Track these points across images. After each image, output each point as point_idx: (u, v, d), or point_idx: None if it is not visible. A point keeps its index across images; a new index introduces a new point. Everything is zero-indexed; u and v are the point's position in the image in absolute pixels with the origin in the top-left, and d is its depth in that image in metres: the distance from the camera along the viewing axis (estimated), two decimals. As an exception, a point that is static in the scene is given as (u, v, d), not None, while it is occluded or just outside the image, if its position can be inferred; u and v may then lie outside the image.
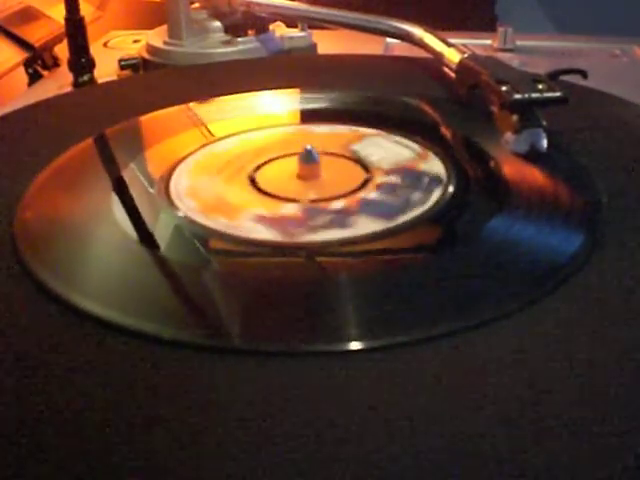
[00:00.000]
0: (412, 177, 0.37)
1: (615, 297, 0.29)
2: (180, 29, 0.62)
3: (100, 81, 0.61)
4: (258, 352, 0.26)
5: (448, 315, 0.28)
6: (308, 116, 0.46)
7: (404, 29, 0.54)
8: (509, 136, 0.39)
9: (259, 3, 0.62)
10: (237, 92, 0.49)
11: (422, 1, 0.86)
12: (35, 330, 0.28)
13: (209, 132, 0.44)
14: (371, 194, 0.36)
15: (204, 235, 0.33)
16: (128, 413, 0.24)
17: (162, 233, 0.35)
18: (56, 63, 0.70)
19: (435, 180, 0.37)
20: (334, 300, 0.29)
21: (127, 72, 0.62)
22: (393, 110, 0.47)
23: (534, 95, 0.38)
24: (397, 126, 0.43)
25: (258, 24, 0.64)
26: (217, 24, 0.64)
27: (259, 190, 0.37)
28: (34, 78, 0.68)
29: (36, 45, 0.68)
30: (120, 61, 0.62)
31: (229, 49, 0.62)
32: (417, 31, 0.53)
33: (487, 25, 0.83)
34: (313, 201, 0.36)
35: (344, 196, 0.36)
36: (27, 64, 0.67)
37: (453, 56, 0.47)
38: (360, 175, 0.38)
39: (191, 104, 0.47)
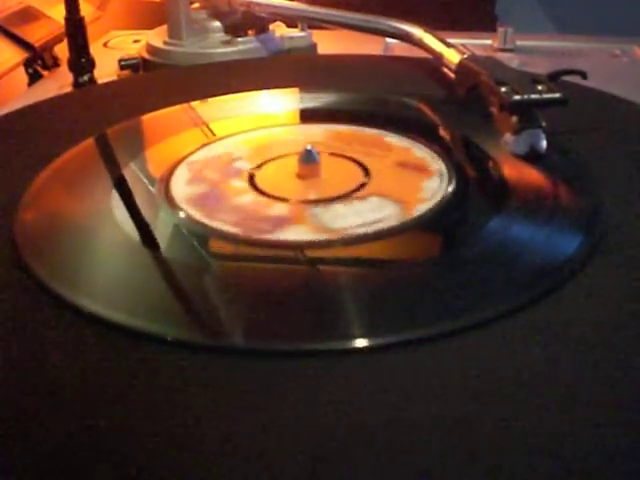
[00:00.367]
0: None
1: (615, 297, 0.29)
2: (180, 29, 0.62)
3: (100, 81, 0.61)
4: (258, 352, 0.26)
5: (448, 315, 0.28)
6: (308, 116, 0.46)
7: (404, 29, 0.54)
8: (509, 137, 0.39)
9: (259, 3, 0.62)
10: (237, 92, 0.49)
11: (422, 1, 0.86)
12: (35, 330, 0.28)
13: (210, 131, 0.44)
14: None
15: (204, 235, 0.33)
16: (128, 413, 0.24)
17: (162, 233, 0.35)
18: (56, 63, 0.70)
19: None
20: (334, 300, 0.29)
21: (127, 72, 0.62)
22: (393, 110, 0.47)
23: (534, 96, 0.38)
24: (397, 126, 0.43)
25: (258, 24, 0.64)
26: (217, 24, 0.64)
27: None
28: (34, 78, 0.68)
29: (36, 45, 0.68)
30: (120, 61, 0.62)
31: (229, 49, 0.62)
32: (417, 31, 0.53)
33: (487, 25, 0.83)
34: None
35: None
36: (27, 64, 0.67)
37: (453, 57, 0.47)
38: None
39: (192, 104, 0.47)
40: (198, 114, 0.46)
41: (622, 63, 0.67)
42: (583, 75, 0.44)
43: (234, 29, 0.63)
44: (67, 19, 0.60)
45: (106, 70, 0.63)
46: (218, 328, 0.28)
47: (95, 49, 0.63)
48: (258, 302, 0.29)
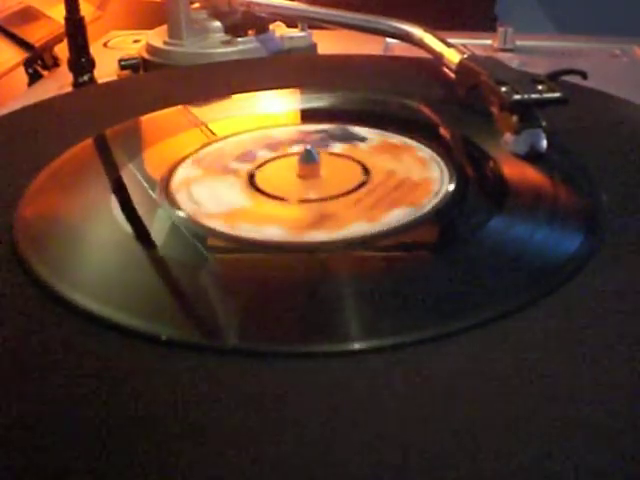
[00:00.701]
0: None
1: (615, 297, 0.29)
2: (180, 29, 0.62)
3: (100, 81, 0.61)
4: (258, 352, 0.26)
5: (448, 315, 0.28)
6: (308, 116, 0.46)
7: (404, 29, 0.54)
8: (509, 137, 0.39)
9: (259, 3, 0.62)
10: (237, 92, 0.49)
11: (422, 1, 0.86)
12: (34, 329, 0.28)
13: (210, 131, 0.44)
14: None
15: (203, 234, 0.33)
16: (127, 413, 0.24)
17: (161, 232, 0.35)
18: (56, 63, 0.70)
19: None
20: (334, 300, 0.29)
21: (127, 72, 0.62)
22: (393, 110, 0.47)
23: (534, 96, 0.38)
24: (397, 126, 0.43)
25: (258, 24, 0.64)
26: (217, 24, 0.64)
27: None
28: (34, 78, 0.68)
29: (36, 45, 0.68)
30: (120, 61, 0.62)
31: (229, 49, 0.62)
32: (417, 31, 0.53)
33: (487, 25, 0.83)
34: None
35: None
36: (27, 64, 0.67)
37: (453, 56, 0.47)
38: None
39: (191, 104, 0.47)
40: (198, 114, 0.46)
41: (622, 63, 0.67)
42: (583, 75, 0.44)
43: (234, 29, 0.63)
44: (67, 19, 0.60)
45: (106, 70, 0.63)
46: (216, 328, 0.28)
47: (95, 49, 0.63)
48: (257, 302, 0.29)
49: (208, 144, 0.42)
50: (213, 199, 0.36)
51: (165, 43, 0.63)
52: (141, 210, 0.36)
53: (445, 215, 0.35)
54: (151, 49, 0.64)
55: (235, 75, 0.54)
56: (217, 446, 0.23)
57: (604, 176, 0.37)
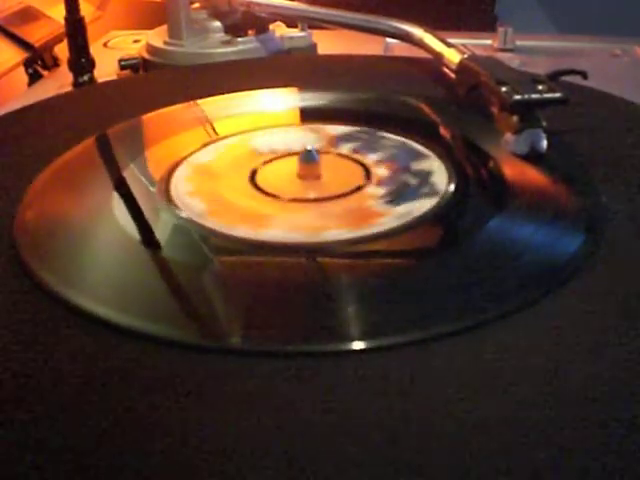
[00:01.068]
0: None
1: (615, 297, 0.29)
2: (180, 29, 0.62)
3: (100, 81, 0.61)
4: (258, 352, 0.26)
5: (448, 316, 0.28)
6: (308, 116, 0.46)
7: (404, 29, 0.54)
8: (509, 137, 0.39)
9: (259, 3, 0.62)
10: (237, 92, 0.49)
11: (422, 1, 0.86)
12: (34, 330, 0.28)
13: (213, 130, 0.44)
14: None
15: (204, 235, 0.33)
16: (127, 413, 0.24)
17: (162, 233, 0.35)
18: (56, 63, 0.70)
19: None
20: (334, 300, 0.29)
21: (127, 72, 0.62)
22: (393, 110, 0.46)
23: (534, 96, 0.38)
24: (397, 126, 0.43)
25: (258, 24, 0.64)
26: (217, 24, 0.63)
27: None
28: (34, 78, 0.68)
29: (36, 45, 0.68)
30: (120, 61, 0.62)
31: (229, 49, 0.62)
32: (417, 31, 0.53)
33: (487, 25, 0.83)
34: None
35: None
36: (27, 64, 0.67)
37: (453, 56, 0.47)
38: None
39: (191, 103, 0.47)
40: (198, 114, 0.46)
41: (622, 63, 0.67)
42: (583, 75, 0.44)
43: (234, 29, 0.63)
44: (67, 19, 0.60)
45: (106, 70, 0.63)
46: (217, 328, 0.28)
47: (95, 49, 0.63)
48: (257, 302, 0.29)
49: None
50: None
51: (165, 43, 0.63)
52: (143, 210, 0.36)
53: (445, 215, 0.35)
54: (151, 49, 0.63)
55: (235, 75, 0.54)
56: (217, 445, 0.23)
57: (604, 176, 0.37)
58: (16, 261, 0.32)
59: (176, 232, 0.35)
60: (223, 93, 0.48)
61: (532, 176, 0.37)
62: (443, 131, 0.44)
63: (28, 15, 0.71)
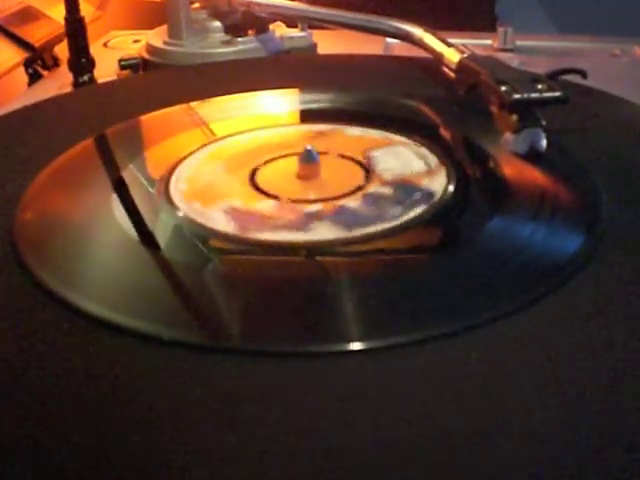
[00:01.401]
0: (404, 191, 0.36)
1: (615, 298, 0.29)
2: (180, 29, 0.62)
3: (100, 81, 0.61)
4: (258, 352, 0.26)
5: (448, 316, 0.28)
6: (308, 116, 0.46)
7: (404, 29, 0.54)
8: (509, 136, 0.39)
9: (259, 3, 0.62)
10: (237, 92, 0.49)
11: (422, 1, 0.86)
12: (34, 330, 0.28)
13: (210, 131, 0.44)
14: (351, 203, 0.35)
15: (204, 235, 0.33)
16: (127, 413, 0.24)
17: (162, 233, 0.35)
18: (56, 63, 0.70)
19: (425, 197, 0.36)
20: (334, 300, 0.29)
21: (127, 72, 0.62)
22: (393, 110, 0.47)
23: (533, 95, 0.38)
24: (397, 126, 0.43)
25: (258, 24, 0.64)
26: (217, 24, 0.64)
27: (256, 188, 0.37)
28: (34, 78, 0.68)
29: (36, 45, 0.68)
30: (120, 61, 0.62)
31: (229, 49, 0.62)
32: (417, 31, 0.53)
33: (487, 25, 0.83)
34: (293, 200, 0.36)
35: (329, 199, 0.36)
36: (27, 64, 0.67)
37: (453, 56, 0.47)
38: (359, 179, 0.38)
39: (192, 104, 0.47)
40: (198, 114, 0.46)
41: (622, 63, 0.67)
42: (583, 74, 0.44)
43: (234, 29, 0.63)
44: (67, 19, 0.60)
45: (106, 70, 0.63)
46: (217, 328, 0.28)
47: (95, 49, 0.63)
48: (257, 302, 0.29)
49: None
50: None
51: (165, 43, 0.63)
52: (142, 211, 0.36)
53: (445, 215, 0.35)
54: (151, 49, 0.64)
55: (235, 75, 0.54)
56: (217, 446, 0.23)
57: (604, 176, 0.37)
58: (16, 261, 0.32)
59: (176, 232, 0.35)
60: (223, 93, 0.48)
61: (531, 175, 0.37)
62: (443, 131, 0.44)
63: (28, 15, 0.71)
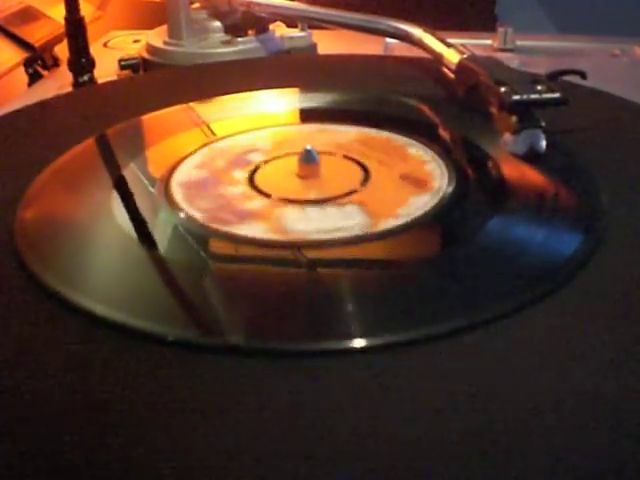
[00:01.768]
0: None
1: (615, 297, 0.29)
2: (180, 29, 0.62)
3: (100, 81, 0.61)
4: (258, 352, 0.26)
5: (448, 315, 0.28)
6: (308, 116, 0.46)
7: (404, 29, 0.54)
8: (508, 137, 0.39)
9: (259, 3, 0.62)
10: (237, 92, 0.49)
11: (422, 1, 0.86)
12: (34, 329, 0.28)
13: (211, 131, 0.44)
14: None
15: (204, 235, 0.33)
16: (127, 413, 0.24)
17: (162, 233, 0.35)
18: (56, 63, 0.70)
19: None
20: (334, 300, 0.29)
21: (127, 72, 0.62)
22: (392, 110, 0.47)
23: (533, 96, 0.38)
24: (396, 126, 0.43)
25: (258, 24, 0.64)
26: (217, 24, 0.64)
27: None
28: (34, 78, 0.68)
29: (36, 45, 0.68)
30: (120, 61, 0.62)
31: (229, 49, 0.62)
32: (416, 31, 0.53)
33: (487, 25, 0.83)
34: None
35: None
36: (27, 64, 0.67)
37: (452, 56, 0.47)
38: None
39: (191, 104, 0.47)
40: (199, 114, 0.46)
41: (622, 63, 0.67)
42: (583, 75, 0.44)
43: (234, 29, 0.63)
44: (67, 19, 0.60)
45: (106, 70, 0.63)
46: (217, 328, 0.28)
47: (95, 49, 0.63)
48: (257, 302, 0.29)
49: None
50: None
51: (165, 43, 0.63)
52: (143, 211, 0.36)
53: (444, 215, 0.35)
54: (151, 49, 0.64)
55: (235, 75, 0.54)
56: (217, 445, 0.23)
57: (604, 176, 0.37)
58: (16, 261, 0.32)
59: (176, 232, 0.35)
60: (223, 93, 0.48)
61: (531, 176, 0.37)
62: (442, 131, 0.44)
63: (28, 15, 0.71)
